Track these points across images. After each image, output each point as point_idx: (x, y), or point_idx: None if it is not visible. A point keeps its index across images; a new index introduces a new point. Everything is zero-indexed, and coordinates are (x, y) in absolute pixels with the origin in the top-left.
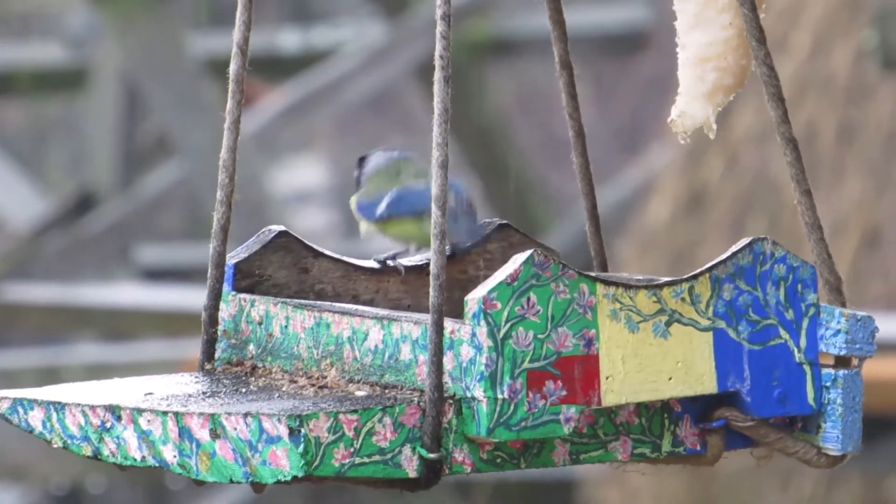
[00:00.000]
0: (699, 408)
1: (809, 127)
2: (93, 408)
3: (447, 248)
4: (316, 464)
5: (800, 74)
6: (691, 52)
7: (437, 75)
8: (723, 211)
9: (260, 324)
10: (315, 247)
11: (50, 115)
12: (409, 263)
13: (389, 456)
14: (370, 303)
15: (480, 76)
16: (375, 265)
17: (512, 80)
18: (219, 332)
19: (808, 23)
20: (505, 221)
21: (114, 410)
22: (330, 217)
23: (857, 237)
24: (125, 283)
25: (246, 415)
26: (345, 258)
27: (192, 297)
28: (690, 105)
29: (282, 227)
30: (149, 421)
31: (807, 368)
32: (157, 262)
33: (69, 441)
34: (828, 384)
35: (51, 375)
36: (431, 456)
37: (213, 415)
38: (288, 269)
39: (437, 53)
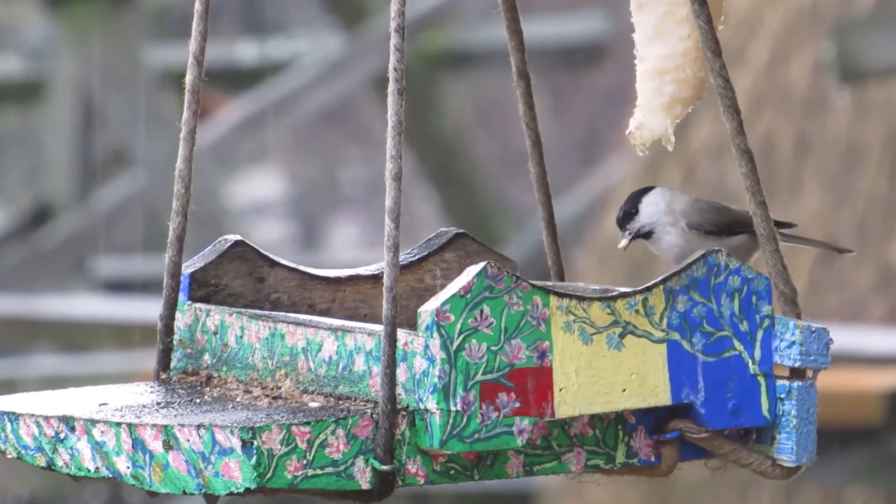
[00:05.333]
0: (653, 419)
1: (767, 139)
2: (47, 418)
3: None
4: (269, 476)
5: (758, 86)
6: (650, 65)
7: (391, 87)
8: None
9: (215, 334)
10: (271, 256)
11: (6, 128)
12: (366, 272)
13: (342, 468)
14: (327, 312)
15: (437, 88)
16: (331, 274)
17: (469, 92)
18: (174, 342)
19: (766, 35)
20: (461, 231)
21: (67, 421)
22: (286, 228)
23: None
24: (82, 295)
25: (199, 426)
26: (300, 267)
27: (150, 309)
28: (649, 117)
29: (238, 237)
30: (102, 432)
31: (761, 380)
32: (115, 274)
33: (23, 451)
34: (782, 396)
35: (7, 387)
36: (384, 468)
37: (166, 426)
38: (244, 278)
39: (391, 65)
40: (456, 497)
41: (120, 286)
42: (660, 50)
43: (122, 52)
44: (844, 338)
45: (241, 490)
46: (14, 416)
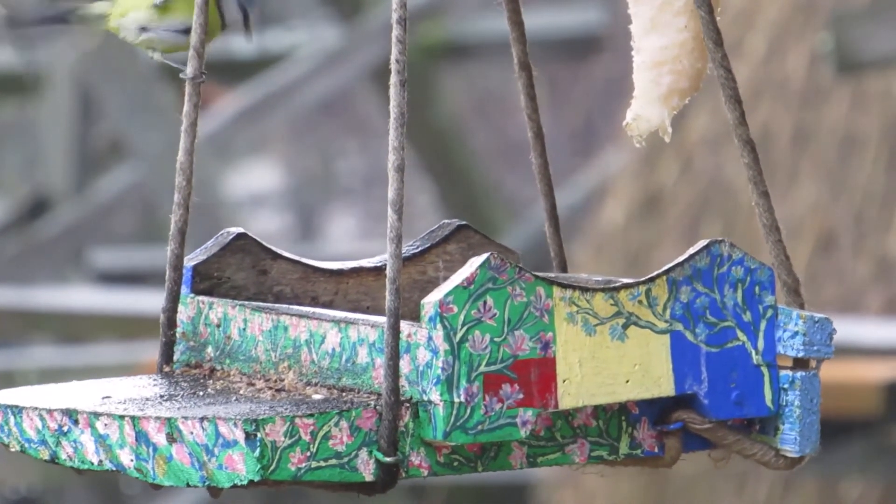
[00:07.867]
0: (657, 410)
1: (764, 130)
2: (50, 412)
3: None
4: (272, 468)
5: (755, 78)
6: (646, 56)
7: (393, 79)
8: (678, 214)
9: (218, 326)
10: (273, 248)
11: (3, 119)
12: (369, 264)
13: (346, 460)
14: (329, 304)
15: (435, 80)
16: (334, 267)
17: (466, 83)
18: (177, 335)
19: (764, 26)
20: (464, 223)
21: (71, 414)
22: (284, 220)
23: (812, 240)
24: (80, 287)
25: (202, 419)
26: (303, 260)
27: (147, 300)
28: (646, 108)
29: (240, 230)
30: (105, 425)
31: (764, 370)
32: (112, 266)
33: (27, 445)
34: (785, 386)
35: (5, 379)
36: (388, 460)
37: (169, 419)
38: (246, 271)
39: (392, 57)
40: (452, 488)
41: (117, 277)
42: (657, 41)
43: (119, 43)
44: (841, 329)
45: (245, 482)
46: (17, 410)
